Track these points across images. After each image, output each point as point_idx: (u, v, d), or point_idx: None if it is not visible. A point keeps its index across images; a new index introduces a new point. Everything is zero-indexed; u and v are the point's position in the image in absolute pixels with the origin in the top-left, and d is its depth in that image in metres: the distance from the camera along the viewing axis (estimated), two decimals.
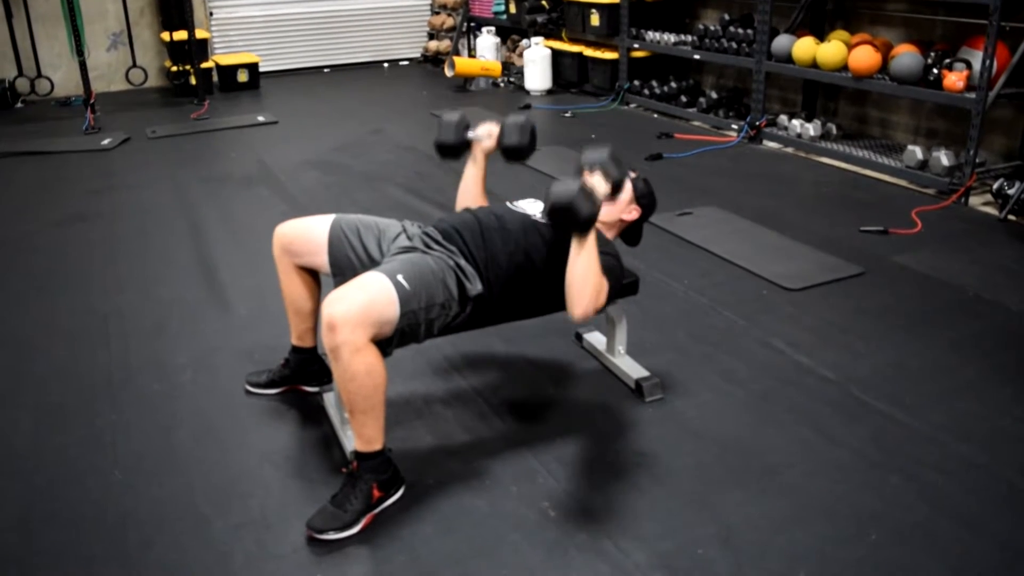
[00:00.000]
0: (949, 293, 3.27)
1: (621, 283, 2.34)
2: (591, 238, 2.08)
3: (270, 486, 2.23)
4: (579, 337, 2.93)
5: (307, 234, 2.41)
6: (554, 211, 2.04)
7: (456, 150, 2.56)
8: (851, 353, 2.84)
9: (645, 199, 2.49)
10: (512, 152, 2.51)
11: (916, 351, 2.85)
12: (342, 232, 2.36)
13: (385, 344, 2.06)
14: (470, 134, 2.55)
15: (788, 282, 3.38)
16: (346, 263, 2.32)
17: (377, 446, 2.07)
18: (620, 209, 2.44)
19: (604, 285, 2.13)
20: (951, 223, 4.08)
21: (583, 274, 2.07)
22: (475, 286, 2.20)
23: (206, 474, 2.28)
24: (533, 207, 2.41)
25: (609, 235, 2.46)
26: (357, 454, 2.08)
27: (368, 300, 1.98)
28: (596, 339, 2.87)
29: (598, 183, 2.21)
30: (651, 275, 3.47)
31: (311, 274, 2.47)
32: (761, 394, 2.62)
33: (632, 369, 2.66)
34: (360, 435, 2.05)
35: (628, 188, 2.43)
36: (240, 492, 2.21)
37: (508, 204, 2.43)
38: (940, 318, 3.08)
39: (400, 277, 2.06)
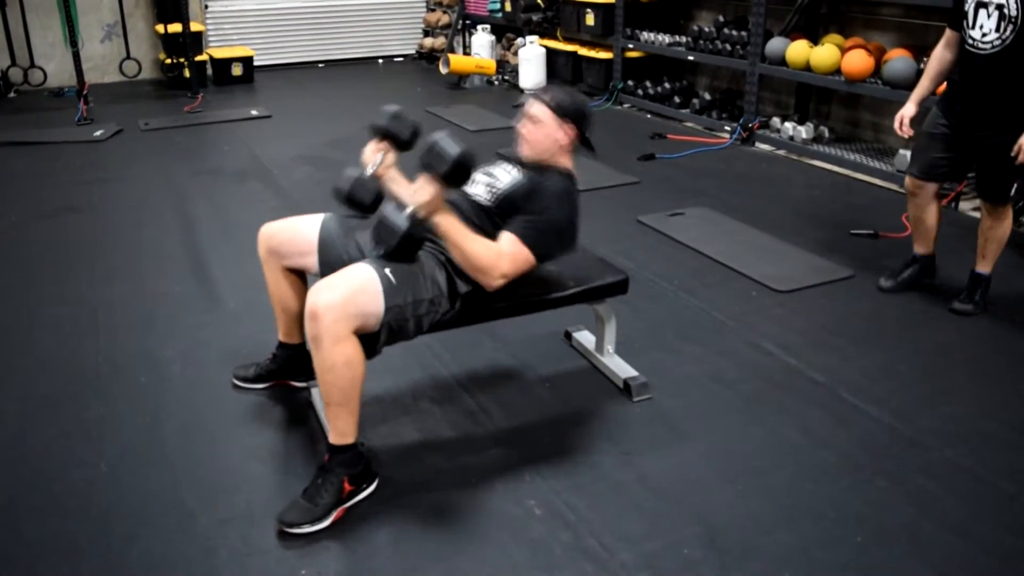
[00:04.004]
0: (938, 298, 3.28)
1: (564, 239, 2.28)
2: (444, 228, 2.05)
3: (256, 481, 2.23)
4: (568, 336, 2.94)
5: (295, 235, 2.38)
6: (386, 246, 2.06)
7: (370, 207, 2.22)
8: (840, 356, 2.85)
9: (571, 113, 2.31)
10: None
11: (904, 355, 2.86)
12: (333, 232, 2.34)
13: (372, 341, 2.06)
14: (369, 173, 2.23)
15: (778, 284, 3.39)
16: (338, 264, 2.26)
17: (350, 439, 2.07)
18: (551, 139, 2.30)
19: (495, 259, 2.10)
20: (942, 228, 4.08)
21: (461, 261, 2.10)
22: (465, 283, 2.20)
23: (192, 468, 2.27)
24: (504, 175, 2.32)
25: (563, 161, 2.35)
26: (329, 447, 2.08)
27: (353, 291, 1.98)
28: (585, 338, 2.87)
29: (420, 192, 2.03)
30: (641, 275, 3.48)
31: (298, 274, 2.44)
32: (749, 395, 2.62)
33: (621, 369, 2.67)
34: (334, 427, 2.05)
35: (547, 115, 2.28)
36: (226, 487, 2.20)
37: (481, 173, 2.33)
38: (929, 322, 3.09)
39: (387, 271, 2.05)
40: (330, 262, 2.29)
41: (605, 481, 2.21)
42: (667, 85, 6.55)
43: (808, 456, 2.32)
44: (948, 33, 3.08)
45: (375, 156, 2.25)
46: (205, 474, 2.25)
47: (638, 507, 2.11)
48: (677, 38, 6.37)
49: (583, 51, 7.11)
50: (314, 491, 2.05)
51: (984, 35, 2.86)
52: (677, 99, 6.38)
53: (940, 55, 3.12)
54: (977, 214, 4.24)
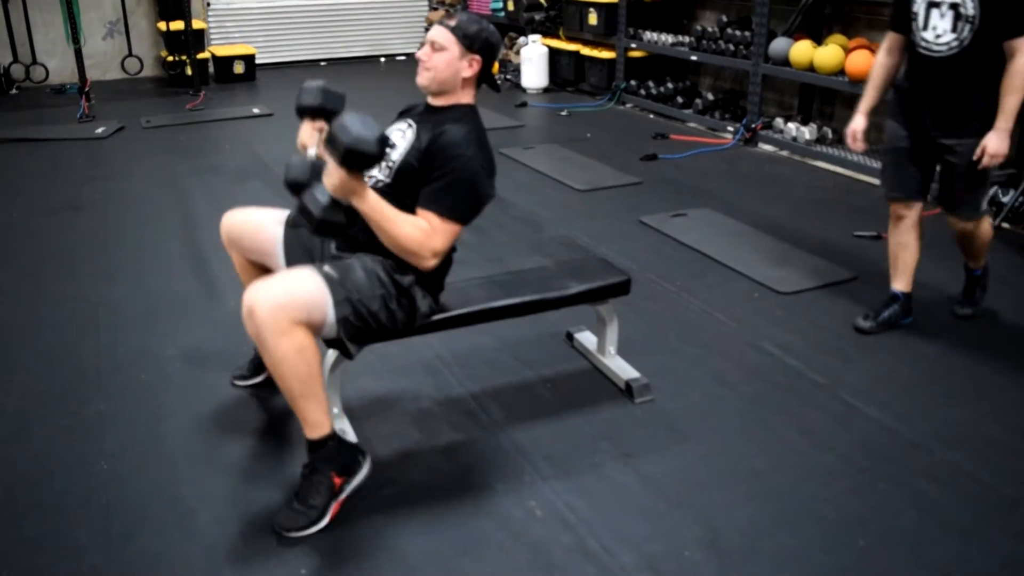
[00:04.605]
0: (941, 300, 3.27)
1: (480, 189, 2.11)
2: (364, 211, 1.95)
3: (256, 478, 2.22)
4: (570, 337, 2.93)
5: (258, 233, 2.32)
6: (307, 227, 1.99)
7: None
8: (842, 358, 2.85)
9: (477, 43, 2.14)
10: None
11: (906, 357, 2.86)
12: (296, 235, 2.28)
13: (340, 342, 2.04)
14: (312, 155, 2.20)
15: (780, 285, 3.39)
16: (305, 263, 2.20)
17: (326, 430, 2.03)
18: (452, 68, 2.14)
19: (422, 239, 2.01)
20: (944, 230, 4.05)
21: (388, 244, 2.01)
22: (405, 277, 2.12)
23: (192, 466, 2.27)
24: (400, 139, 2.16)
25: (465, 98, 2.21)
26: (308, 443, 2.04)
27: (289, 286, 1.94)
28: (587, 339, 2.87)
29: (329, 176, 1.93)
30: (643, 276, 3.47)
31: (263, 268, 2.39)
32: (751, 397, 2.62)
33: (622, 370, 2.66)
34: (306, 421, 2.01)
35: (451, 42, 2.12)
36: (226, 484, 2.20)
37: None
38: (931, 325, 3.09)
39: (327, 267, 2.03)
40: (295, 263, 2.21)
41: (606, 482, 2.21)
42: (670, 85, 6.55)
43: (809, 458, 2.31)
44: (891, 36, 2.90)
45: (312, 136, 2.17)
46: (205, 472, 2.25)
47: (639, 509, 2.11)
48: (680, 38, 6.36)
49: (586, 51, 7.10)
50: (305, 493, 2.03)
51: (938, 37, 2.69)
52: (680, 99, 6.37)
53: (883, 61, 2.93)
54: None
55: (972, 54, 2.66)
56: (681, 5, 6.81)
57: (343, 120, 1.88)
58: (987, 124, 2.68)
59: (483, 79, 2.22)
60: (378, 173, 2.15)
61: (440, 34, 2.15)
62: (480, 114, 2.25)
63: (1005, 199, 4.07)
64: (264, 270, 2.36)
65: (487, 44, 2.15)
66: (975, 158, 2.71)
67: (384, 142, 1.90)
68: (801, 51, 5.17)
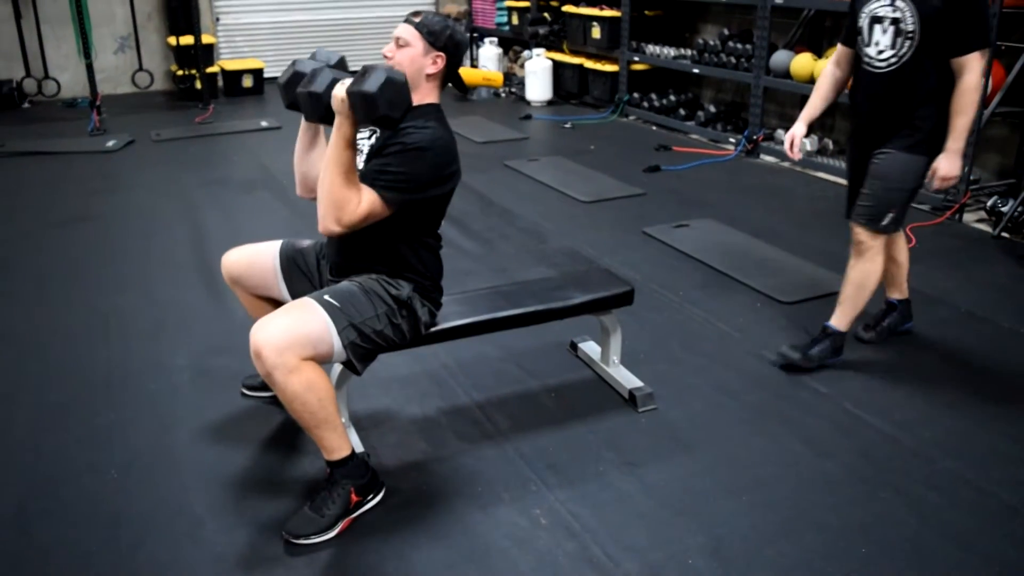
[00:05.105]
0: (942, 309, 3.29)
1: (438, 172, 2.06)
2: (334, 135, 1.93)
3: (264, 488, 2.25)
4: (574, 346, 2.96)
5: (256, 268, 2.34)
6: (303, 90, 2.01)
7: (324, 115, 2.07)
8: (843, 367, 2.86)
9: (440, 40, 2.09)
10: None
11: (908, 366, 2.87)
12: (294, 262, 2.32)
13: (350, 364, 2.08)
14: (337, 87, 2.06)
15: (782, 295, 3.41)
16: (308, 289, 2.25)
17: (345, 452, 2.08)
18: (416, 66, 2.10)
19: (352, 206, 1.95)
20: (945, 240, 4.11)
21: (324, 184, 1.95)
22: (402, 289, 2.14)
23: (201, 475, 2.30)
24: (363, 145, 2.17)
25: (429, 97, 2.15)
26: (328, 463, 2.09)
27: (292, 322, 1.96)
28: (591, 348, 2.89)
29: (340, 87, 1.96)
30: (646, 286, 3.50)
31: (269, 300, 2.40)
32: (753, 406, 2.63)
33: (626, 379, 2.68)
34: (323, 447, 2.06)
35: (415, 38, 2.10)
36: (234, 493, 2.22)
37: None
38: (932, 334, 3.10)
39: (327, 296, 2.05)
40: (298, 291, 2.25)
41: (610, 491, 2.23)
42: (672, 97, 6.59)
43: (811, 467, 2.33)
44: (840, 49, 2.87)
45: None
46: (214, 481, 2.27)
47: (643, 517, 2.13)
48: (682, 51, 6.41)
49: (589, 64, 7.16)
50: (321, 502, 2.06)
51: (880, 52, 2.63)
52: (682, 111, 6.41)
53: (830, 72, 2.90)
54: (983, 226, 4.27)
55: (911, 70, 2.59)
56: (683, 19, 6.86)
57: (378, 71, 1.91)
58: (919, 140, 2.62)
59: (448, 78, 2.18)
60: None
61: (405, 30, 2.13)
62: (445, 115, 2.19)
63: (1005, 208, 4.09)
64: (270, 301, 2.39)
65: (452, 42, 2.11)
66: (926, 181, 2.67)
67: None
68: (802, 64, 5.21)
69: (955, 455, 2.37)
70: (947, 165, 2.62)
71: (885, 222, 2.74)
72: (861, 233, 2.79)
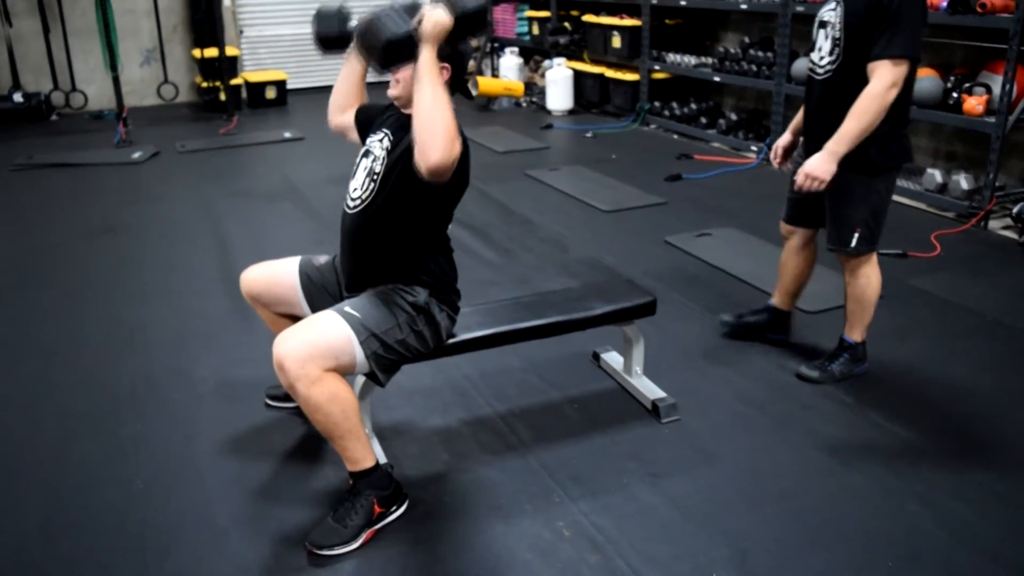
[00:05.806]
0: (968, 317, 3.25)
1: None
2: (424, 64, 1.90)
3: (287, 499, 2.26)
4: (596, 357, 2.95)
5: (276, 286, 2.36)
6: (359, 36, 2.00)
7: (339, 43, 2.33)
8: (868, 377, 2.83)
9: (444, 51, 2.04)
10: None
11: (934, 376, 2.84)
12: (309, 280, 2.34)
13: (373, 376, 2.08)
14: (352, 24, 2.25)
15: (806, 304, 3.38)
16: (328, 304, 2.23)
17: (368, 463, 2.08)
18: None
19: (455, 126, 1.91)
20: (970, 247, 4.06)
21: (424, 114, 1.88)
22: (419, 295, 2.15)
23: (225, 486, 2.31)
24: (379, 150, 2.18)
25: None
26: (351, 474, 2.10)
27: (315, 335, 1.97)
28: (613, 359, 2.88)
29: (434, 11, 1.93)
30: (669, 296, 3.48)
31: (291, 316, 2.41)
32: (778, 416, 2.61)
33: (649, 390, 2.67)
34: (347, 458, 2.07)
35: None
36: (257, 504, 2.24)
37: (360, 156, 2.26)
38: (959, 343, 3.06)
39: (347, 308, 2.06)
40: (320, 307, 2.23)
41: (634, 502, 2.21)
42: (693, 106, 6.58)
43: (837, 478, 2.30)
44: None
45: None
46: (237, 492, 2.29)
47: (666, 529, 2.11)
48: (703, 59, 6.40)
49: (610, 73, 7.16)
50: (344, 512, 2.07)
51: (822, 59, 2.58)
52: (703, 120, 6.39)
53: None
54: (1008, 233, 4.21)
55: (843, 77, 2.51)
56: (704, 27, 6.85)
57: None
58: (854, 151, 2.47)
59: (455, 87, 2.19)
60: (360, 192, 2.16)
61: None
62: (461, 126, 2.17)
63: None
64: (291, 318, 2.40)
65: (456, 52, 2.13)
66: (797, 185, 2.55)
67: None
68: None
69: (984, 467, 2.34)
70: (814, 164, 2.48)
71: (853, 243, 2.63)
72: (840, 256, 2.74)
